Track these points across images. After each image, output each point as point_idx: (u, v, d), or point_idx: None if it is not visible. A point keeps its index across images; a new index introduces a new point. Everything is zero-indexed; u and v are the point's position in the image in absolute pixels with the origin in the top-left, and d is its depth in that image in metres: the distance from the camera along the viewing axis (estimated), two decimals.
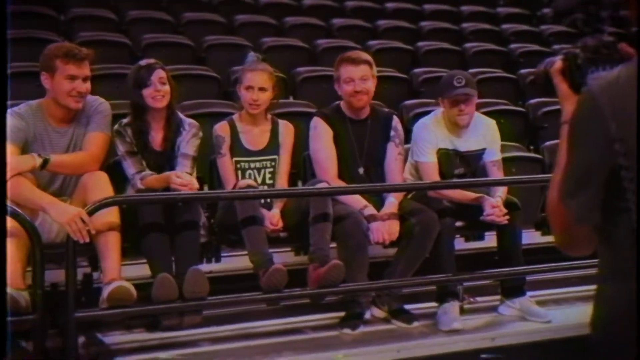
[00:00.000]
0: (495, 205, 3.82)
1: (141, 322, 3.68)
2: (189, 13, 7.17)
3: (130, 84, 3.69)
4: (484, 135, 4.12)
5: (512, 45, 7.54)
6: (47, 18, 6.45)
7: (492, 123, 4.20)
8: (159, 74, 3.64)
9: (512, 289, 3.99)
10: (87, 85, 3.44)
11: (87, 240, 3.04)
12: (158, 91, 3.61)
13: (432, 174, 3.99)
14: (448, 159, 4.06)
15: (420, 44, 7.19)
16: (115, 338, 3.60)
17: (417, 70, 6.33)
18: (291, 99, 5.56)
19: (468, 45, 7.34)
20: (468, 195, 3.96)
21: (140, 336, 3.63)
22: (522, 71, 6.64)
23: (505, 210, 3.84)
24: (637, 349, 1.43)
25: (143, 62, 3.73)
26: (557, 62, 1.66)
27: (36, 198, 3.16)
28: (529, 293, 4.03)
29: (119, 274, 3.18)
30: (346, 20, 7.77)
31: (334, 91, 4.21)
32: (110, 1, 7.27)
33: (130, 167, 3.59)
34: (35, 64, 5.22)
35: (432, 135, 4.04)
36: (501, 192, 3.97)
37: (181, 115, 3.82)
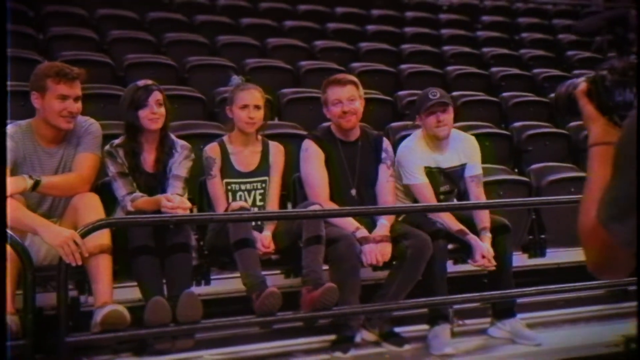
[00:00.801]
0: (484, 255, 3.83)
1: (128, 346, 3.61)
2: (170, 33, 7.14)
3: (125, 104, 3.65)
4: (463, 150, 4.16)
5: (493, 69, 7.62)
6: (26, 37, 6.37)
7: (471, 138, 4.25)
8: (156, 96, 3.61)
9: (503, 311, 4.00)
10: (79, 105, 3.39)
11: (80, 263, 2.98)
12: (154, 113, 3.58)
13: (428, 194, 4.02)
14: (433, 177, 4.09)
15: (402, 66, 7.24)
16: None
17: (401, 92, 6.36)
18: (276, 121, 5.55)
19: (450, 68, 7.40)
20: (454, 226, 3.96)
21: None
22: (504, 94, 6.71)
23: (492, 256, 3.86)
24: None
25: (141, 83, 3.68)
26: (582, 84, 1.64)
27: (28, 220, 3.10)
28: (518, 315, 4.03)
29: (111, 297, 3.13)
30: (328, 42, 7.80)
31: (319, 113, 4.21)
32: (90, 21, 7.22)
33: (120, 188, 3.54)
34: (15, 83, 5.19)
35: (416, 156, 4.07)
36: (486, 221, 3.98)
37: (173, 136, 3.79)
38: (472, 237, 3.89)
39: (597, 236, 1.46)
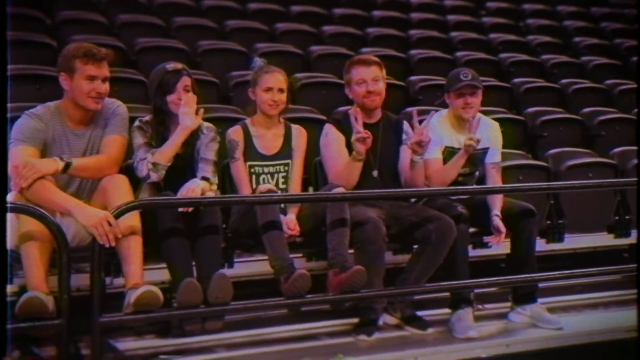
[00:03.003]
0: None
1: (154, 327, 3.63)
2: (179, 18, 7.11)
3: (153, 87, 3.63)
4: (487, 135, 4.15)
5: (502, 55, 7.62)
6: (35, 20, 6.33)
7: (495, 124, 4.27)
8: (185, 81, 3.60)
9: (524, 295, 4.02)
10: (106, 86, 3.38)
11: (113, 244, 2.98)
12: (181, 99, 3.56)
13: (434, 171, 4.00)
14: (452, 157, 4.06)
15: (412, 52, 7.24)
16: (127, 344, 3.54)
17: (413, 77, 6.36)
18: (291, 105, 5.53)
19: (460, 54, 7.40)
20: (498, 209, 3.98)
21: (153, 342, 3.58)
22: (515, 80, 6.72)
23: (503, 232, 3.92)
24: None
25: (170, 67, 3.65)
26: None
27: (61, 201, 3.09)
28: (539, 300, 4.06)
29: (142, 278, 3.13)
30: (336, 27, 7.78)
31: (332, 97, 4.20)
32: (98, 5, 7.18)
33: (142, 153, 3.52)
34: (26, 66, 5.15)
35: (437, 133, 4.05)
36: (498, 207, 4.00)
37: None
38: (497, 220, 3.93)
39: None
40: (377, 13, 8.62)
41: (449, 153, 4.08)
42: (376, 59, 4.05)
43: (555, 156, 4.85)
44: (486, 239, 3.97)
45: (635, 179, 4.39)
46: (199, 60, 6.24)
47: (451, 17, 8.98)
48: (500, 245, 3.98)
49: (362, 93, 3.93)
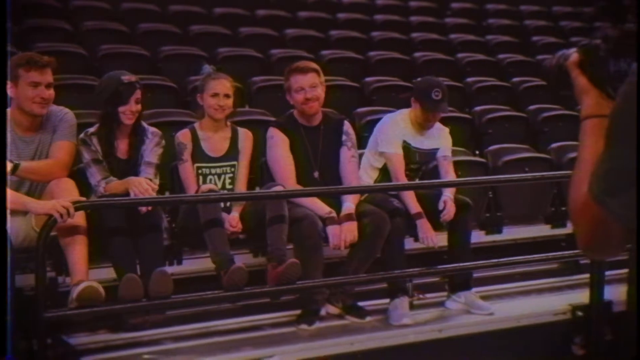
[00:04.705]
0: (425, 237, 4.12)
1: (105, 323, 3.83)
2: (144, 24, 7.30)
3: (104, 96, 3.81)
4: (439, 137, 4.43)
5: (459, 55, 7.86)
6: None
7: (445, 130, 4.53)
8: (137, 94, 3.80)
9: (459, 284, 4.25)
10: (51, 92, 3.58)
11: (73, 218, 3.16)
12: (132, 112, 3.77)
13: (399, 165, 4.28)
14: (408, 153, 4.35)
15: (371, 53, 7.46)
16: (80, 339, 3.73)
17: (368, 79, 6.58)
18: (247, 108, 5.75)
19: (417, 54, 7.63)
20: (414, 208, 4.18)
21: (104, 337, 3.77)
22: (468, 79, 6.96)
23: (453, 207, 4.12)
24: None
25: (125, 79, 3.80)
26: (574, 54, 1.54)
27: (15, 197, 3.30)
28: (473, 289, 4.29)
29: (87, 275, 3.33)
30: (299, 30, 7.99)
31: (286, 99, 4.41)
32: (64, 12, 7.35)
33: (95, 174, 3.74)
34: None
35: (399, 129, 4.33)
36: (450, 191, 4.24)
37: (144, 124, 3.98)
38: (422, 221, 4.14)
39: (589, 211, 1.37)
40: (341, 15, 8.84)
41: (405, 149, 4.33)
42: (314, 65, 4.26)
43: (494, 152, 5.09)
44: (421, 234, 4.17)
45: (568, 172, 4.61)
46: (159, 66, 6.43)
47: (414, 18, 9.21)
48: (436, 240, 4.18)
49: (301, 100, 4.14)
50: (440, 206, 4.15)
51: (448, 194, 4.22)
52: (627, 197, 1.32)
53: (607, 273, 4.05)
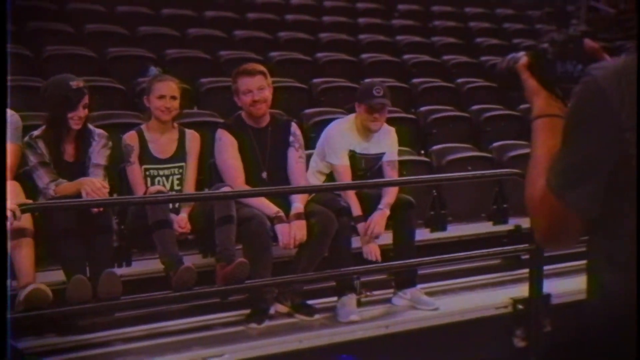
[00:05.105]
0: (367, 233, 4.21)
1: (53, 326, 3.82)
2: (91, 25, 7.25)
3: (52, 100, 3.80)
4: (385, 141, 4.53)
5: (405, 56, 8.01)
6: None
7: (392, 131, 4.61)
8: (85, 99, 3.81)
9: (404, 281, 4.36)
10: None
11: (20, 221, 3.15)
12: (80, 117, 3.79)
13: (345, 175, 4.37)
14: (355, 160, 4.45)
15: (319, 54, 7.55)
16: (27, 343, 3.72)
17: (316, 80, 6.67)
18: (195, 110, 5.77)
19: (364, 55, 7.75)
20: (355, 211, 4.28)
21: (52, 340, 3.76)
22: (414, 80, 7.10)
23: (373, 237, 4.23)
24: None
25: (74, 84, 3.80)
26: (523, 57, 1.63)
27: None
28: (418, 285, 4.40)
29: (34, 277, 3.33)
30: (248, 32, 8.03)
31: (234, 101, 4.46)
32: (11, 12, 7.24)
33: (43, 176, 3.73)
34: None
35: (345, 139, 4.40)
36: (390, 196, 4.32)
37: (91, 126, 3.99)
38: (360, 225, 4.24)
39: (548, 205, 1.44)
40: (289, 17, 8.91)
41: (351, 157, 4.41)
42: (261, 68, 4.32)
43: (438, 152, 5.23)
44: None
45: (509, 170, 4.76)
46: (107, 68, 6.41)
47: (361, 20, 9.34)
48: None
49: (248, 102, 4.20)
50: (369, 221, 4.22)
51: (383, 206, 4.28)
52: (584, 189, 1.41)
53: (546, 267, 4.19)
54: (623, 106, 1.38)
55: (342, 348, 3.86)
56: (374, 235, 4.24)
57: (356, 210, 4.28)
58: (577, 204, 1.42)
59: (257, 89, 4.18)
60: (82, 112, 3.79)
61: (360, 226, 4.25)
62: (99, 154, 3.88)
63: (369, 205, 4.35)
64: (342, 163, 4.38)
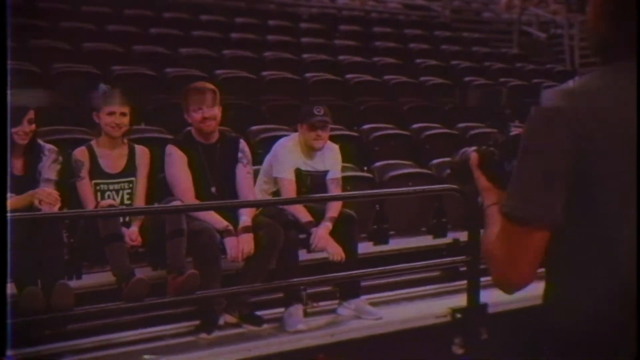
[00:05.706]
0: (316, 242, 4.35)
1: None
2: (35, 40, 7.25)
3: None
4: (329, 158, 4.71)
5: (348, 75, 8.24)
6: None
7: (335, 147, 4.81)
8: (30, 114, 3.87)
9: (349, 292, 4.53)
10: None
11: None
12: (26, 132, 3.85)
13: (291, 190, 4.53)
14: (300, 177, 4.61)
15: (264, 73, 7.71)
16: None
17: (263, 97, 6.82)
18: (143, 126, 5.85)
19: (308, 75, 7.95)
20: (304, 218, 4.45)
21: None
22: (357, 99, 7.34)
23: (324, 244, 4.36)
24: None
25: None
26: (473, 155, 1.76)
27: None
28: (363, 296, 4.58)
29: None
30: (193, 49, 8.14)
31: (184, 117, 4.58)
32: None
33: None
34: None
35: (291, 156, 4.58)
36: (333, 213, 4.50)
37: (41, 141, 4.05)
38: (314, 230, 4.40)
39: (506, 236, 1.49)
40: (234, 35, 9.06)
41: (297, 175, 4.58)
42: (211, 86, 4.46)
43: (381, 168, 5.44)
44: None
45: (448, 185, 5.00)
46: (53, 83, 6.43)
47: (305, 40, 9.55)
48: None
49: (198, 119, 4.32)
50: (312, 236, 4.37)
51: (326, 221, 4.43)
52: (543, 197, 1.44)
53: (482, 279, 4.43)
54: (577, 118, 1.42)
55: (290, 356, 4.00)
56: (318, 249, 4.39)
57: (305, 216, 4.43)
58: (537, 213, 1.44)
59: (207, 106, 4.31)
60: (27, 127, 3.86)
61: (313, 230, 4.39)
62: (49, 168, 3.94)
63: (315, 219, 4.51)
64: (289, 177, 4.55)
